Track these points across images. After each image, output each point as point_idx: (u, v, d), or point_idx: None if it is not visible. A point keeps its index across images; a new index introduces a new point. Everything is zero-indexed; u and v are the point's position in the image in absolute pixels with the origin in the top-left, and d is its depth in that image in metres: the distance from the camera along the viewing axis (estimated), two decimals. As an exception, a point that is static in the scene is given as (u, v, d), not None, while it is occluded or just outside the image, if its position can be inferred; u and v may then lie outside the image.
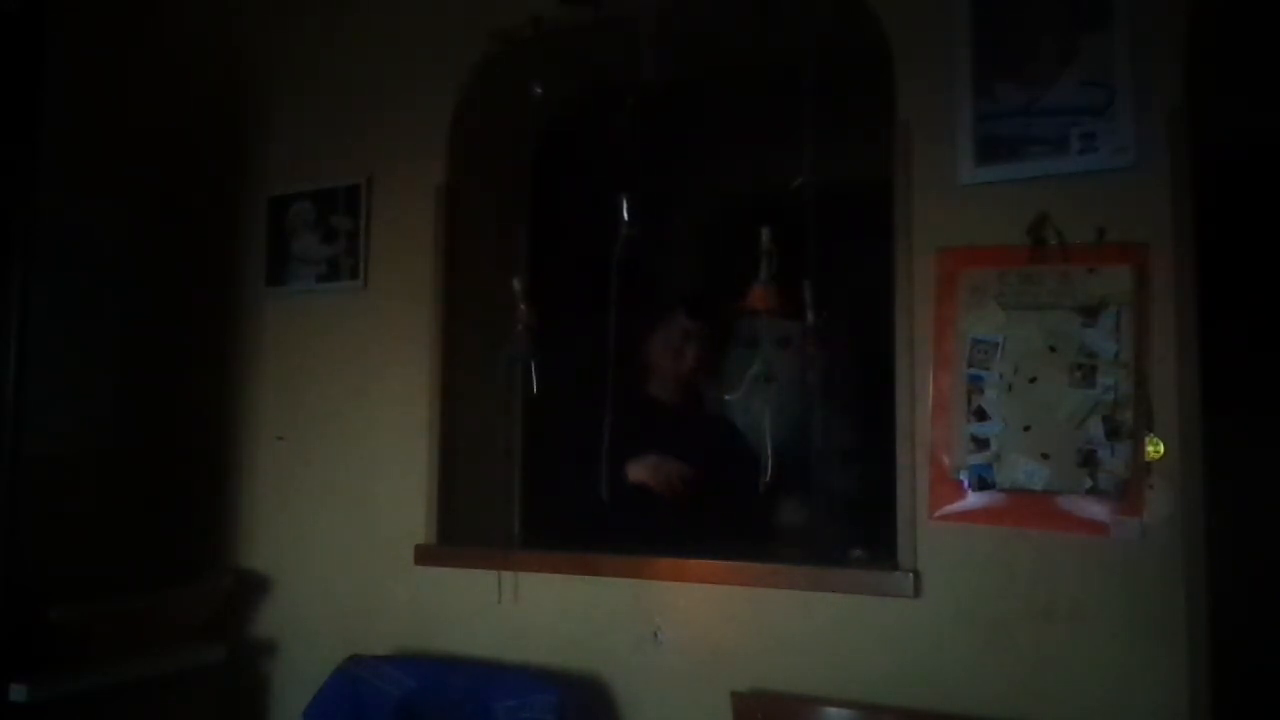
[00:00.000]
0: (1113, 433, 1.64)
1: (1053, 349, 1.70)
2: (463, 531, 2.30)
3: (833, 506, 2.51)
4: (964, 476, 1.74)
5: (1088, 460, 1.65)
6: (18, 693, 1.88)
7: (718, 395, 2.60)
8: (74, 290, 2.36)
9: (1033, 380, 1.71)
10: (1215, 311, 1.70)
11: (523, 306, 2.05)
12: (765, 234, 1.81)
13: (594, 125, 2.28)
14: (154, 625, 2.23)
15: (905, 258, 1.83)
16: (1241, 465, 2.11)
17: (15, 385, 1.90)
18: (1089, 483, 1.65)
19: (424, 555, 2.24)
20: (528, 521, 2.47)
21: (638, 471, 2.29)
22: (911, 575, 1.76)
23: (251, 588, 2.44)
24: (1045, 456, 1.68)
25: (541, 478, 2.50)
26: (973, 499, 1.74)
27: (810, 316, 1.83)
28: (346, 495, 2.38)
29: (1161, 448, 1.63)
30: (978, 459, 1.73)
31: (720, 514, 2.29)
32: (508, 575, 2.12)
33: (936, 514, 1.77)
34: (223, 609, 2.40)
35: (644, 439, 2.31)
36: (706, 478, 2.33)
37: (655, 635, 1.99)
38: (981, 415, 1.73)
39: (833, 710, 1.77)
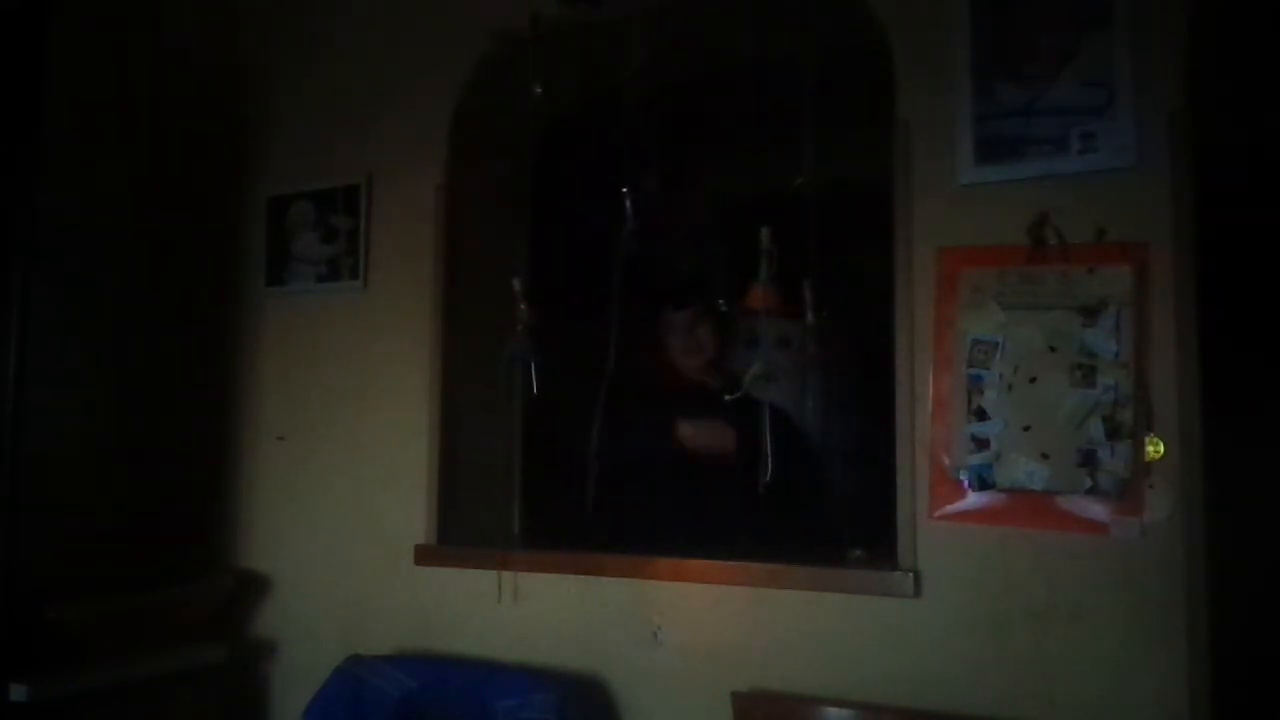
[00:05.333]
0: (1113, 433, 1.64)
1: (1053, 349, 1.69)
2: (463, 532, 2.30)
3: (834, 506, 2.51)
4: (964, 476, 1.74)
5: (1088, 460, 1.65)
6: (18, 693, 1.87)
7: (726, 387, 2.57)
8: (74, 290, 2.36)
9: (1033, 380, 1.70)
10: (1215, 311, 1.70)
11: (523, 306, 2.06)
12: (765, 234, 1.81)
13: (594, 125, 2.28)
14: (154, 625, 2.23)
15: (905, 258, 1.83)
16: (1241, 465, 2.10)
17: (15, 385, 1.90)
18: (1089, 483, 1.65)
19: (424, 555, 2.24)
20: (528, 523, 2.47)
21: (688, 431, 2.33)
22: (911, 575, 1.76)
23: (251, 588, 2.44)
24: (1045, 456, 1.68)
25: (542, 481, 2.49)
26: (973, 499, 1.74)
27: (810, 316, 1.84)
28: (346, 495, 2.38)
29: (1161, 448, 1.63)
30: (978, 459, 1.73)
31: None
32: (508, 575, 2.12)
33: (936, 514, 1.77)
34: (223, 609, 2.39)
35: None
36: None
37: (655, 635, 1.99)
38: (981, 415, 1.73)
39: (833, 710, 1.77)
